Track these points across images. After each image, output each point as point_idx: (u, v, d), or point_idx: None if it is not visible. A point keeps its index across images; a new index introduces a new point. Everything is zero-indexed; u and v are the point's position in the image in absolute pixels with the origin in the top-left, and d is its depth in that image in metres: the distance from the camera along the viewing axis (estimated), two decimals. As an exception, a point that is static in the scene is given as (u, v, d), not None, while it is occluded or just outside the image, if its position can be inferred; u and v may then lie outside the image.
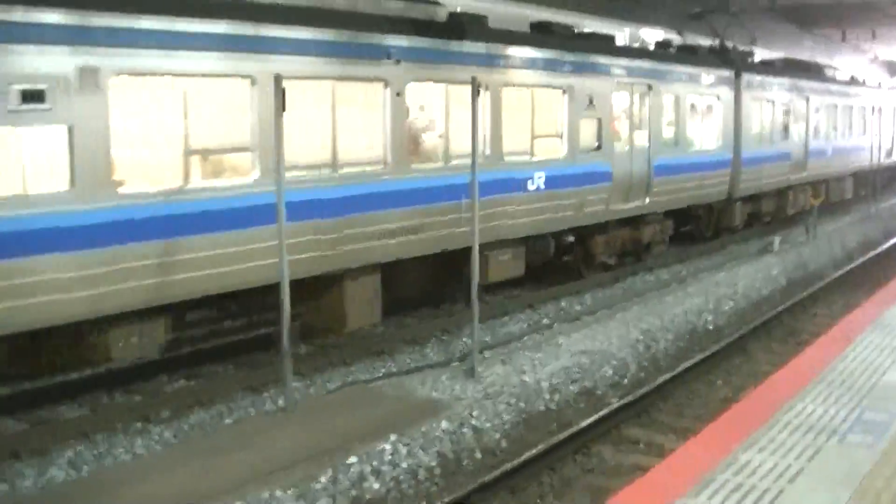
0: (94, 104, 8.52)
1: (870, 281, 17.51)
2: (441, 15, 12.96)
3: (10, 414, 9.62)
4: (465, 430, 9.29)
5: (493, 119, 13.29)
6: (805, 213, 23.91)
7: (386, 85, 11.62)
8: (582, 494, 8.22)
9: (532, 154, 14.39)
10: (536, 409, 10.15)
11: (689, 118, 19.12)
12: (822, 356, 8.55)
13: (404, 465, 8.41)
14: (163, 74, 9.25)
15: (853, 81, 30.42)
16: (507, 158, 13.71)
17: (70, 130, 8.37)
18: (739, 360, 12.53)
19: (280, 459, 8.26)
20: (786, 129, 23.65)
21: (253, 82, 9.88)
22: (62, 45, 8.29)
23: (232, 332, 11.34)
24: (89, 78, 8.46)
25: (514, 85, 13.84)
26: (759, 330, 13.88)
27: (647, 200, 17.41)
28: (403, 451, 8.62)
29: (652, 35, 25.69)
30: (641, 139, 17.24)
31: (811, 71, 26.54)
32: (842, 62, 37.63)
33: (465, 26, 13.07)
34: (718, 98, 20.07)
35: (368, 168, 11.57)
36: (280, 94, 8.96)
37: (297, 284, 10.41)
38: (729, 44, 22.51)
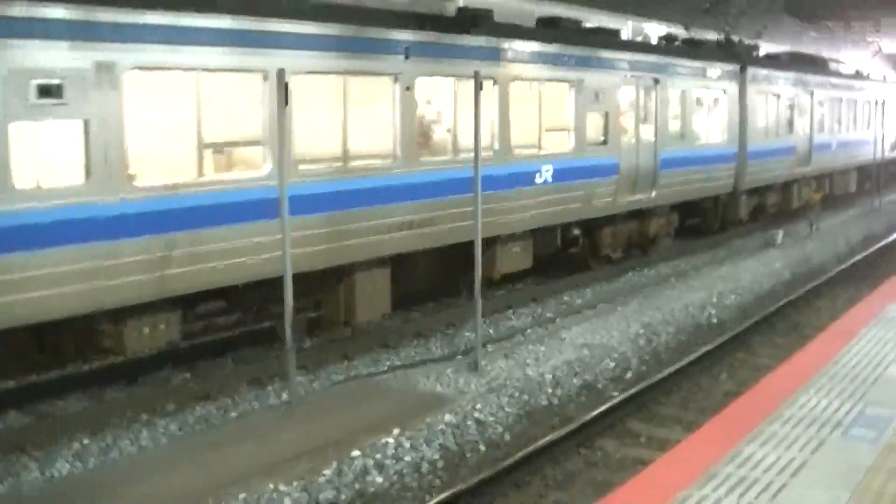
0: (110, 98, 8.61)
1: (873, 275, 17.51)
2: (450, 9, 13.02)
3: (16, 407, 9.66)
4: (468, 423, 9.31)
5: (501, 113, 13.41)
6: (809, 207, 23.91)
7: (395, 79, 11.68)
8: (585, 488, 8.24)
9: (540, 148, 14.48)
10: (539, 403, 10.18)
11: (695, 112, 19.19)
12: (826, 350, 8.56)
13: (408, 458, 8.45)
14: (176, 69, 9.35)
15: (857, 75, 30.39)
16: (515, 152, 13.80)
17: (86, 124, 8.46)
18: (742, 354, 12.54)
19: (284, 453, 8.29)
20: (790, 122, 23.69)
21: (265, 77, 9.95)
22: (79, 40, 8.37)
23: (237, 325, 11.38)
24: (105, 73, 8.54)
25: (522, 79, 13.93)
26: (763, 324, 13.89)
27: (654, 193, 17.47)
28: (407, 444, 8.65)
29: (657, 29, 25.68)
30: (648, 133, 17.30)
31: (816, 65, 26.53)
32: (846, 56, 37.54)
33: (473, 21, 13.14)
34: (724, 92, 20.12)
35: (378, 162, 11.65)
36: (283, 89, 8.99)
37: (308, 277, 10.66)
38: (734, 38, 22.55)
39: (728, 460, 5.87)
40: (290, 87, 9.78)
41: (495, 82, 13.26)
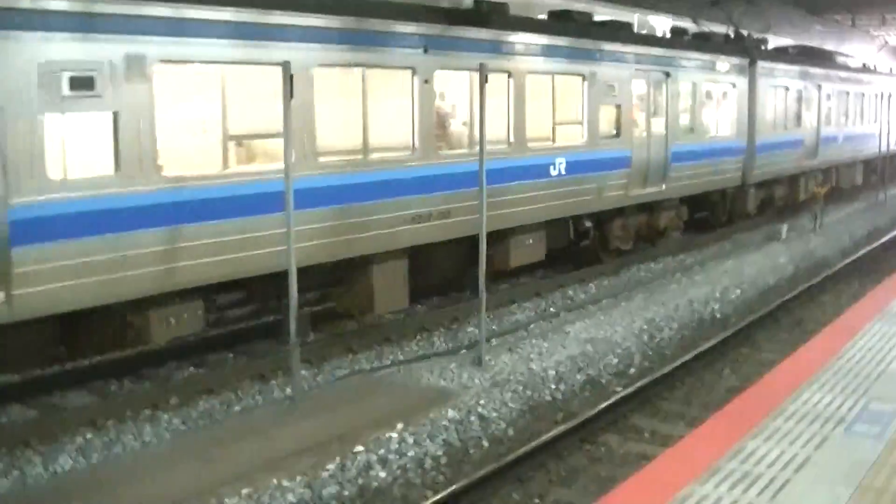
0: (140, 90, 8.75)
1: (878, 269, 17.48)
2: (466, 3, 13.11)
3: (20, 401, 9.68)
4: (471, 418, 9.31)
5: (516, 106, 13.54)
6: (813, 201, 23.90)
7: (414, 73, 11.78)
8: (589, 483, 8.23)
9: (554, 140, 14.59)
10: (543, 398, 10.18)
11: (705, 105, 19.29)
12: (829, 345, 8.54)
13: (411, 453, 8.45)
14: (203, 62, 9.50)
15: (864, 69, 30.34)
16: (530, 145, 13.92)
17: (117, 116, 8.60)
18: (746, 349, 12.52)
19: (287, 447, 8.30)
20: (798, 116, 23.74)
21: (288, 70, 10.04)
22: (110, 32, 8.50)
23: (249, 317, 11.43)
24: (136, 65, 8.68)
25: (536, 72, 14.02)
26: (766, 319, 13.86)
27: (664, 186, 17.56)
28: (410, 439, 8.66)
29: (667, 23, 25.67)
30: (659, 126, 17.40)
31: (823, 58, 26.52)
32: (851, 49, 37.45)
33: (490, 15, 13.27)
34: (733, 85, 20.21)
35: (397, 154, 11.77)
36: (288, 82, 9.03)
37: (326, 268, 10.96)
38: (744, 31, 22.60)
39: (731, 456, 5.86)
40: (313, 79, 10.26)
41: (510, 75, 13.38)
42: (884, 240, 21.42)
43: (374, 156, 11.40)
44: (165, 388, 10.13)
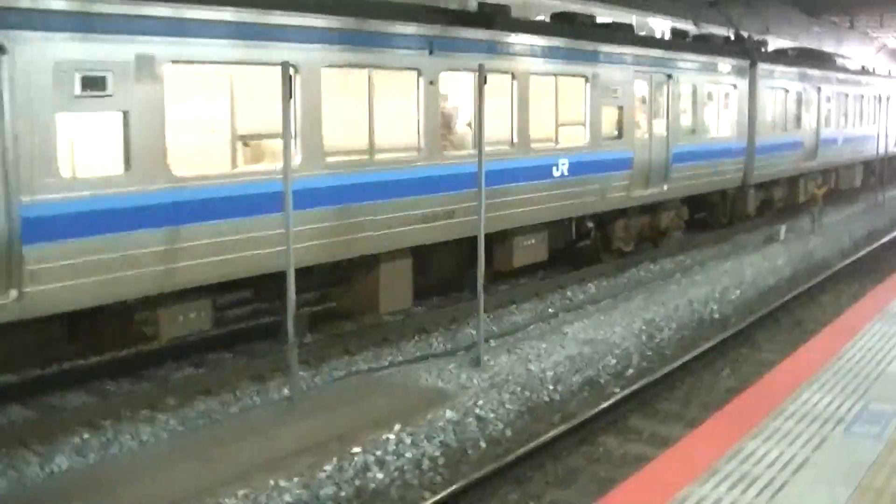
0: (151, 90, 8.82)
1: (877, 270, 17.47)
2: (471, 5, 13.18)
3: (18, 401, 9.65)
4: (469, 419, 9.29)
5: (520, 107, 13.61)
6: (812, 202, 23.92)
7: (420, 74, 11.84)
8: (587, 484, 8.22)
9: (557, 141, 14.66)
10: (541, 399, 10.16)
11: (706, 107, 19.36)
12: (829, 346, 8.53)
13: (408, 454, 8.43)
14: (211, 62, 9.57)
15: (863, 71, 30.39)
16: (533, 145, 13.98)
17: (127, 115, 8.67)
18: (745, 350, 12.51)
19: (285, 448, 8.28)
20: (798, 118, 23.80)
21: (296, 70, 10.14)
22: (122, 33, 8.57)
23: (250, 317, 11.43)
24: (146, 65, 8.75)
25: (539, 74, 14.08)
26: (766, 319, 13.85)
27: (666, 187, 17.61)
28: (408, 440, 8.63)
29: (668, 25, 25.71)
30: (660, 127, 17.47)
31: (823, 60, 26.58)
32: (849, 51, 37.47)
33: (494, 16, 13.35)
34: (734, 87, 20.31)
35: (403, 155, 11.82)
36: (287, 82, 9.03)
37: (326, 268, 11.03)
38: (744, 33, 22.68)
39: (730, 457, 5.84)
40: (320, 80, 10.40)
41: (514, 77, 13.44)
42: (883, 241, 21.42)
43: (380, 156, 11.47)
44: (163, 389, 10.10)
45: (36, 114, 7.97)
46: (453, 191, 12.29)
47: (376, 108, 11.31)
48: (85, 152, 8.74)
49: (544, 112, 14.37)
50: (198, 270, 9.39)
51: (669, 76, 17.55)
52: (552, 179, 14.35)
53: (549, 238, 14.79)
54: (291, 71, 10.08)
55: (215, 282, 9.74)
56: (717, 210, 21.11)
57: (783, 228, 21.49)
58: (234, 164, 9.78)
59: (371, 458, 8.21)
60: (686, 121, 18.48)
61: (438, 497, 7.50)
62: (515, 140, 13.58)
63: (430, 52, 11.88)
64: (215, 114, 9.82)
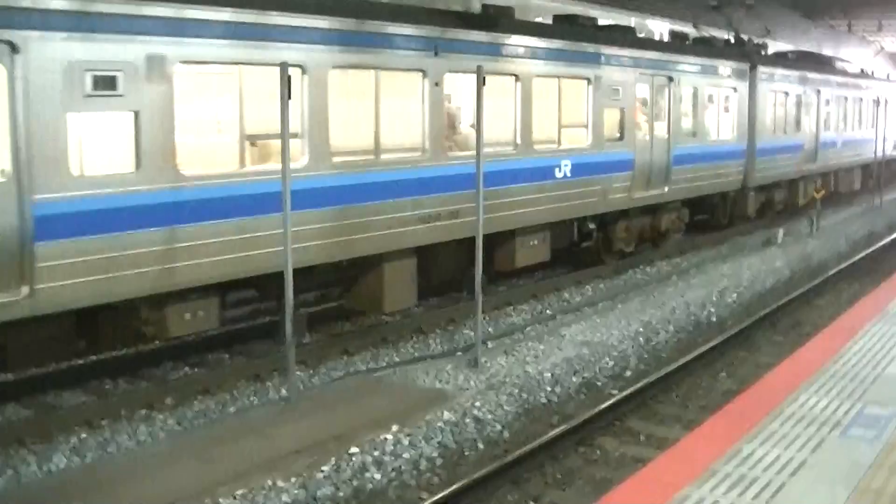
0: (160, 90, 8.90)
1: (874, 273, 17.48)
2: (476, 6, 13.24)
3: (15, 400, 9.65)
4: (467, 420, 9.29)
5: (523, 109, 13.69)
6: (810, 205, 23.98)
7: (425, 75, 11.89)
8: (585, 486, 8.22)
9: (559, 143, 14.75)
10: (539, 401, 10.15)
11: (707, 109, 19.45)
12: (826, 348, 8.53)
13: (406, 455, 8.42)
14: (220, 62, 9.66)
15: (862, 74, 30.47)
16: (536, 146, 14.06)
17: (137, 115, 8.76)
18: (743, 352, 12.51)
19: (283, 448, 8.27)
20: (798, 120, 23.88)
21: (303, 71, 10.21)
22: (132, 33, 8.65)
23: (246, 318, 11.43)
24: (156, 65, 8.82)
25: (543, 75, 14.14)
26: (763, 322, 13.86)
27: (667, 189, 17.70)
28: (406, 441, 8.63)
29: (669, 27, 25.78)
30: (661, 129, 17.55)
31: (822, 63, 26.67)
32: (847, 54, 37.52)
33: (498, 18, 13.42)
34: (734, 90, 20.42)
35: (408, 155, 11.88)
36: (286, 82, 9.03)
37: (327, 268, 11.09)
38: (744, 36, 22.76)
39: (728, 458, 5.85)
40: (327, 81, 10.51)
41: (518, 78, 13.50)
42: (881, 244, 21.43)
43: (386, 156, 11.54)
44: (161, 388, 10.10)
45: (48, 113, 8.07)
46: (457, 191, 12.32)
47: (382, 109, 11.39)
48: (95, 151, 8.82)
49: (547, 113, 14.43)
50: (207, 269, 9.49)
51: (671, 78, 17.62)
52: (555, 180, 14.42)
53: (551, 238, 14.84)
54: (299, 72, 10.25)
55: (223, 280, 9.80)
56: (717, 212, 21.17)
57: (781, 232, 21.52)
58: (242, 163, 9.84)
59: (369, 459, 8.21)
60: (687, 123, 18.57)
61: (437, 497, 7.49)
62: (519, 141, 13.66)
63: (435, 54, 11.94)
64: (224, 113, 9.90)
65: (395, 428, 8.79)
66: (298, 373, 10.25)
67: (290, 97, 9.11)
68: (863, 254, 19.90)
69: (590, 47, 15.20)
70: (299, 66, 10.19)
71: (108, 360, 10.70)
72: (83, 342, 9.61)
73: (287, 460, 8.01)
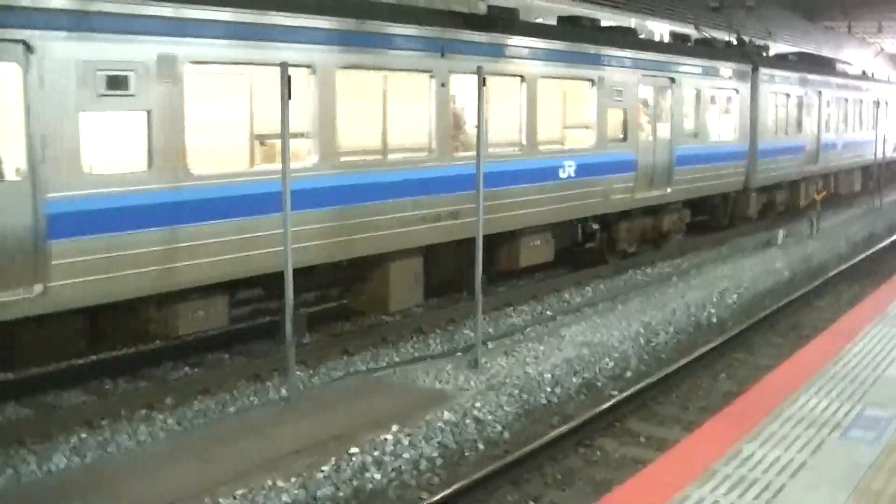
0: (172, 90, 8.97)
1: (874, 275, 17.49)
2: (481, 8, 13.29)
3: (15, 400, 9.65)
4: (467, 420, 9.29)
5: (528, 109, 13.74)
6: (810, 206, 24.00)
7: (432, 76, 11.96)
8: (584, 486, 8.22)
9: (563, 143, 14.81)
10: (539, 401, 10.16)
11: (709, 110, 19.52)
12: (826, 349, 8.54)
13: (406, 455, 8.42)
14: (230, 63, 9.72)
15: (863, 76, 30.51)
16: (540, 147, 14.11)
17: (149, 114, 8.83)
18: (743, 354, 12.51)
19: (283, 448, 8.28)
20: (799, 122, 23.93)
21: (312, 71, 10.27)
22: (144, 33, 8.73)
23: (245, 318, 11.44)
24: (167, 65, 8.89)
25: (547, 77, 14.19)
26: (763, 323, 13.86)
27: (669, 190, 17.77)
28: (406, 441, 8.63)
29: (670, 29, 25.82)
30: (664, 130, 17.62)
31: (823, 65, 26.70)
32: (848, 55, 37.54)
33: (503, 20, 13.49)
34: (736, 91, 20.50)
35: (414, 155, 11.93)
36: (286, 83, 9.04)
37: (339, 266, 11.21)
38: (745, 38, 22.82)
39: (728, 459, 5.85)
40: (335, 81, 10.59)
41: (523, 79, 13.56)
42: (881, 245, 21.43)
43: (393, 156, 11.59)
44: (161, 388, 10.10)
45: (61, 112, 8.14)
46: (462, 191, 12.34)
47: (389, 110, 11.45)
48: (108, 150, 8.86)
49: (552, 114, 14.49)
50: (217, 267, 9.54)
51: (673, 80, 17.69)
52: (559, 181, 14.47)
53: (554, 239, 14.88)
54: (308, 72, 10.32)
55: (232, 278, 9.85)
56: (718, 213, 21.21)
57: (781, 233, 21.54)
58: (251, 162, 9.89)
59: (369, 459, 8.21)
60: (689, 124, 18.64)
61: (437, 497, 7.49)
62: (524, 142, 13.71)
63: (442, 55, 11.99)
64: (233, 113, 9.94)
65: (395, 428, 8.80)
66: (298, 373, 10.25)
67: (290, 97, 9.12)
68: (863, 255, 19.91)
69: (593, 49, 15.27)
70: (308, 66, 10.24)
71: (108, 359, 10.70)
72: (86, 341, 9.60)
73: (287, 460, 8.01)
